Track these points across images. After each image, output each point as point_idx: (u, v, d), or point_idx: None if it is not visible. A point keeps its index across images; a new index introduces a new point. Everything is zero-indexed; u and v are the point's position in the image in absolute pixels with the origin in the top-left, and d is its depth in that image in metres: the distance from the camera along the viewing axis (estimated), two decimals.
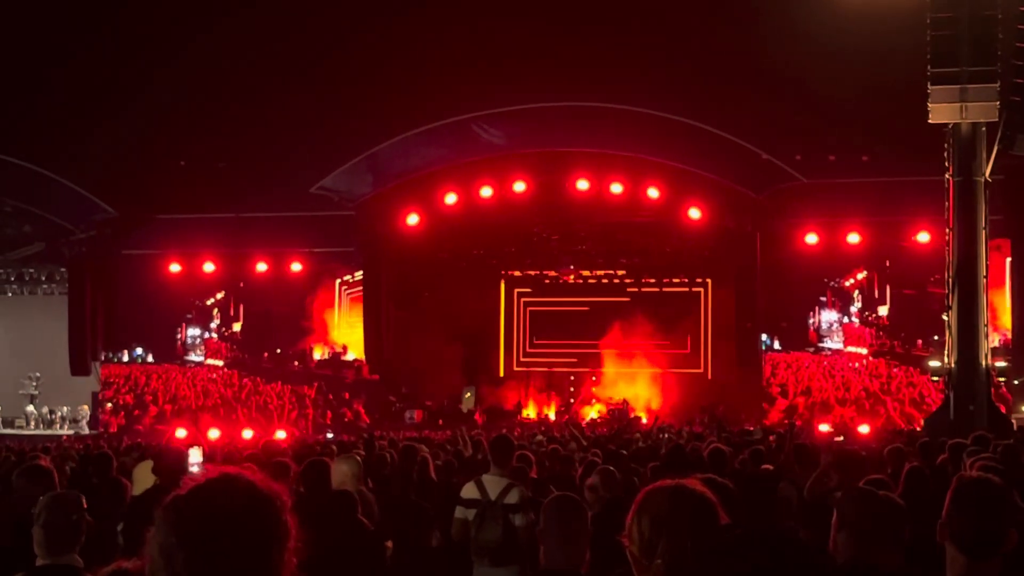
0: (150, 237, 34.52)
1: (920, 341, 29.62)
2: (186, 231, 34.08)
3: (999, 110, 20.05)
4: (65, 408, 34.39)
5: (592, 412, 32.94)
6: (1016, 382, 27.50)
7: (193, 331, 35.79)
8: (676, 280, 34.74)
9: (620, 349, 33.75)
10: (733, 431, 19.83)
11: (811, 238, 31.21)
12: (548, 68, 30.94)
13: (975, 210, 20.37)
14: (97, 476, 9.47)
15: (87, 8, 32.58)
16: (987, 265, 20.67)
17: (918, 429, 21.92)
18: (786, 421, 24.01)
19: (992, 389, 21.33)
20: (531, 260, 35.25)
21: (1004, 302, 29.46)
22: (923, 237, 29.37)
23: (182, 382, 35.07)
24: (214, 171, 32.96)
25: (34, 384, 33.96)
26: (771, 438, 16.39)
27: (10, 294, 36.62)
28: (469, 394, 33.50)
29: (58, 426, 33.74)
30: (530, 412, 33.45)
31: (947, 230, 20.91)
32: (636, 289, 34.77)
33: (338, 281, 35.77)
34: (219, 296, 35.85)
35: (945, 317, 20.85)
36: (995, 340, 28.07)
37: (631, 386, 33.44)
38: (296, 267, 34.44)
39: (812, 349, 31.84)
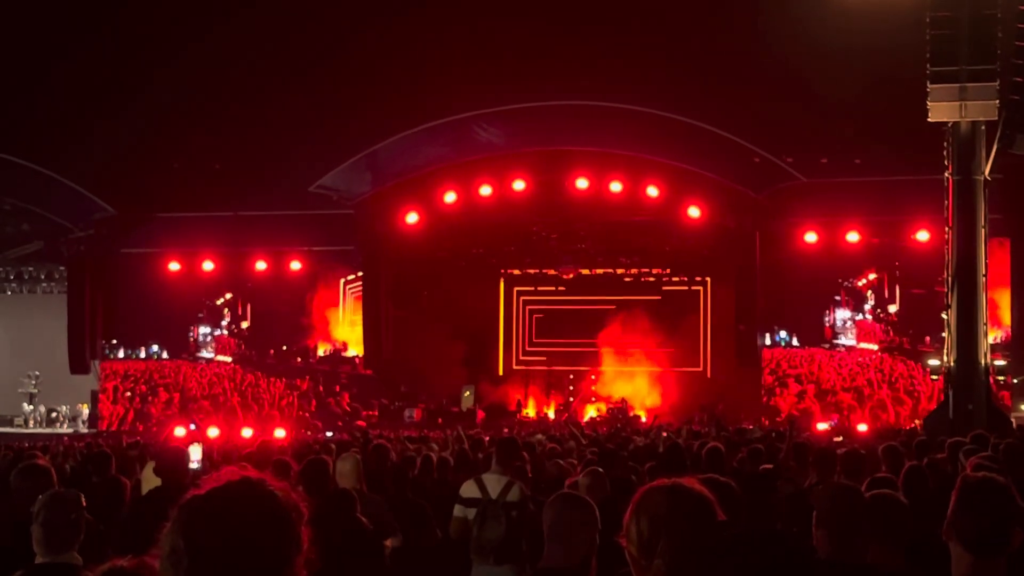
0: (149, 236, 34.53)
1: (928, 338, 30.06)
2: (185, 230, 34.09)
3: (998, 109, 20.01)
4: (64, 407, 34.40)
5: (592, 411, 32.96)
6: (1015, 381, 27.53)
7: (204, 329, 36.12)
8: (676, 279, 34.76)
9: (619, 348, 33.75)
10: (730, 430, 19.82)
11: (810, 237, 31.24)
12: (547, 67, 30.94)
13: (974, 209, 20.34)
14: (96, 475, 9.47)
15: (87, 8, 32.58)
16: (986, 264, 20.64)
17: (917, 426, 21.93)
18: (786, 420, 24.03)
19: (993, 387, 21.35)
20: (531, 259, 35.25)
21: (1006, 299, 29.65)
22: (922, 236, 29.40)
23: (191, 375, 35.44)
24: (213, 170, 32.99)
25: (33, 383, 33.96)
26: (772, 434, 16.41)
27: (9, 293, 36.64)
28: (468, 393, 33.48)
29: (57, 424, 33.75)
30: (529, 411, 33.47)
31: (946, 229, 20.88)
32: (635, 288, 34.77)
33: (343, 280, 35.89)
34: (228, 296, 36.14)
35: (944, 316, 20.84)
36: (998, 336, 28.35)
37: (630, 385, 33.47)
38: (295, 266, 34.48)
39: (827, 345, 32.39)
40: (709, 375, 33.74)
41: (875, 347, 31.96)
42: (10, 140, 31.88)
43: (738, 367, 32.26)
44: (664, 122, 29.95)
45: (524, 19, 31.11)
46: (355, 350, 35.40)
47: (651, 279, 34.91)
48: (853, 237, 31.02)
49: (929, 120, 20.36)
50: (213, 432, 22.74)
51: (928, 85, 20.06)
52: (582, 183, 31.59)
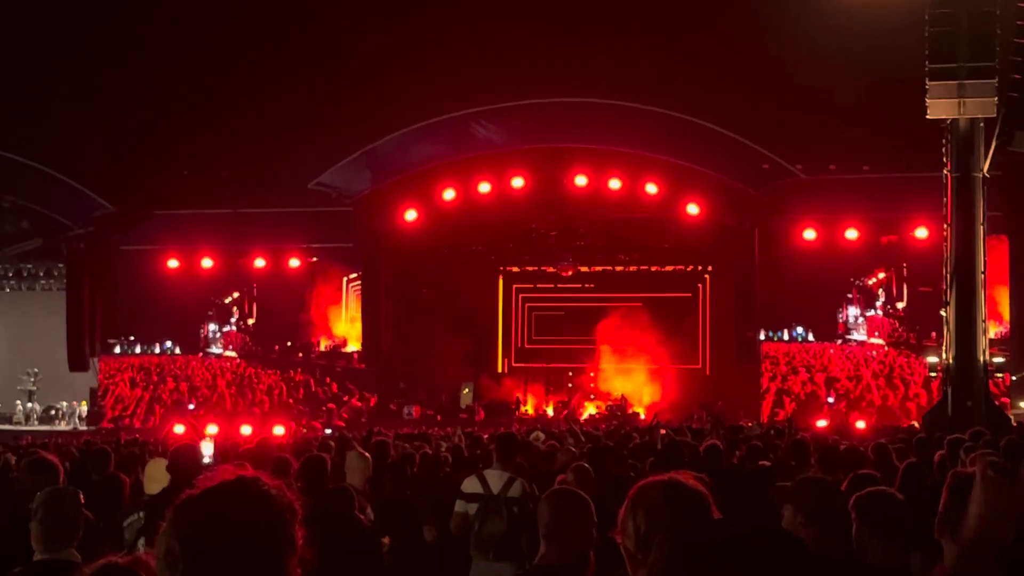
0: (148, 233, 34.55)
1: (934, 333, 30.27)
2: (184, 227, 34.09)
3: (997, 106, 20.02)
4: (63, 404, 34.39)
5: (591, 408, 32.94)
6: (1015, 378, 27.52)
7: (213, 326, 36.50)
8: (675, 276, 34.74)
9: (618, 345, 33.73)
10: (728, 427, 19.80)
11: (809, 234, 31.27)
12: (546, 64, 30.93)
13: (973, 206, 20.34)
14: (95, 472, 9.47)
15: (87, 7, 32.56)
16: (985, 261, 20.64)
17: (916, 424, 21.93)
18: (785, 419, 24.03)
19: (991, 385, 21.35)
20: (530, 256, 35.23)
21: (1005, 296, 29.71)
22: (921, 233, 29.42)
23: (198, 368, 35.86)
24: (212, 167, 32.97)
25: (32, 380, 33.95)
26: (771, 431, 16.41)
27: (8, 290, 36.64)
28: (468, 390, 33.46)
29: (56, 422, 33.73)
30: (529, 408, 33.44)
31: (945, 226, 20.89)
32: (634, 285, 34.74)
33: (345, 279, 35.95)
34: (235, 295, 36.50)
35: (943, 313, 20.84)
36: (998, 331, 28.45)
37: (629, 382, 33.46)
38: (294, 263, 34.52)
39: (840, 340, 32.99)
40: (708, 372, 33.74)
41: (883, 342, 32.48)
42: (10, 138, 31.89)
43: (737, 364, 32.28)
44: (663, 119, 29.95)
45: (523, 17, 31.08)
46: (354, 346, 35.43)
47: (650, 276, 34.89)
48: (852, 234, 31.07)
49: (928, 117, 20.38)
50: (212, 430, 22.69)
51: (927, 82, 20.07)
52: (581, 180, 31.58)
